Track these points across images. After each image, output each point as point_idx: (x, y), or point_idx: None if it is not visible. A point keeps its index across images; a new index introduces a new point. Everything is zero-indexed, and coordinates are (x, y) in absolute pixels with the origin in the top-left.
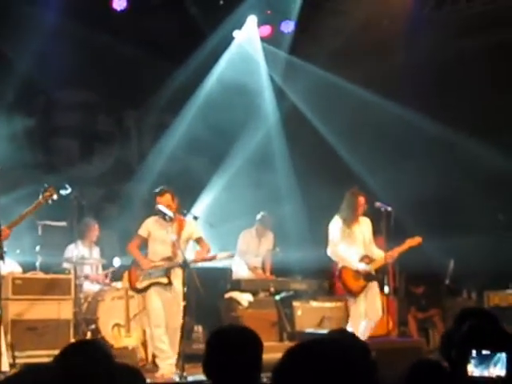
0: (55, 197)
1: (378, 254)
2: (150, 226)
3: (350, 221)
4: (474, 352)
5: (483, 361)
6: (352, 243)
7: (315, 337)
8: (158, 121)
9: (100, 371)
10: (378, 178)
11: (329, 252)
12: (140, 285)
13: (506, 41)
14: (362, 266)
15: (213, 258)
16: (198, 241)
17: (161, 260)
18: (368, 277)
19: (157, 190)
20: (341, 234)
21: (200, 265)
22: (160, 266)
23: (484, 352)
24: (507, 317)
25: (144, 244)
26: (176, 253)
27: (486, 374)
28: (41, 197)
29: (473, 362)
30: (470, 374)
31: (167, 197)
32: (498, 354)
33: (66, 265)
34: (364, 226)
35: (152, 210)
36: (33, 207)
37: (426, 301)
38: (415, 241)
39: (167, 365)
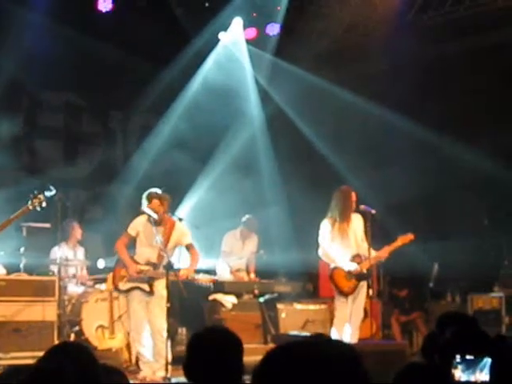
0: (44, 204)
1: (371, 252)
2: (139, 226)
3: (341, 219)
4: (458, 357)
5: (470, 366)
6: (344, 243)
7: (297, 339)
8: (143, 122)
9: (84, 371)
10: (362, 181)
11: (320, 253)
12: (123, 286)
13: (487, 45)
14: (354, 267)
15: (193, 280)
16: (188, 247)
17: (146, 263)
18: (359, 276)
19: (144, 195)
20: (332, 234)
21: (183, 266)
22: (145, 273)
23: (468, 357)
24: (491, 320)
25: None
26: (162, 256)
27: (472, 379)
28: (29, 203)
29: (460, 367)
30: (457, 379)
31: (154, 202)
32: (485, 360)
33: (52, 266)
34: (356, 222)
35: (137, 211)
36: (20, 212)
37: (409, 304)
38: (407, 238)
39: (148, 367)
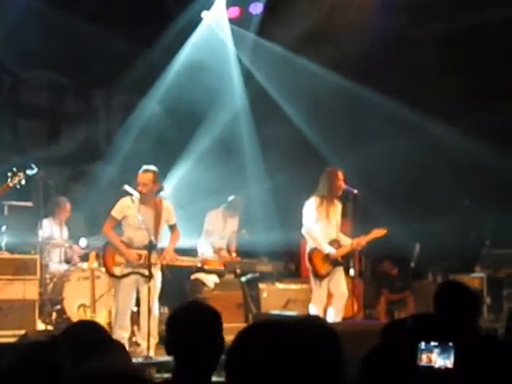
0: (23, 181)
1: (345, 241)
2: (125, 209)
3: (329, 199)
4: (422, 344)
5: (445, 351)
6: (327, 224)
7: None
8: (126, 101)
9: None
10: (345, 161)
11: (303, 231)
12: (121, 272)
13: (465, 25)
14: (333, 251)
15: (179, 265)
16: (172, 227)
17: (138, 248)
18: (335, 262)
19: (141, 169)
20: (317, 213)
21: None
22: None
23: (432, 343)
24: None
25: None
26: (157, 239)
27: (448, 364)
28: (9, 180)
29: (436, 350)
30: (433, 362)
31: (148, 175)
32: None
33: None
34: (338, 207)
35: (120, 191)
36: (0, 190)
37: (401, 282)
38: (380, 232)
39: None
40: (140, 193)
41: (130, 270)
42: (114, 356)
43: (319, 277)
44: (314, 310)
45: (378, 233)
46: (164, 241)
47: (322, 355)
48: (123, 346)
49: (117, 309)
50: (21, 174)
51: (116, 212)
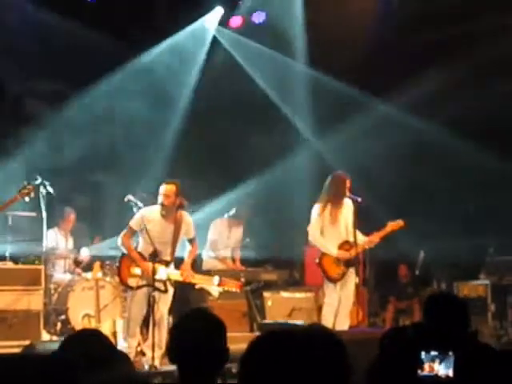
0: (32, 195)
1: (361, 239)
2: (145, 221)
3: (333, 204)
4: (423, 353)
5: (447, 360)
6: (333, 229)
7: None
8: (129, 109)
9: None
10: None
11: (309, 238)
12: (137, 283)
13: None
14: (341, 253)
15: (219, 285)
16: (192, 241)
17: (159, 261)
18: (348, 263)
19: (164, 181)
20: (322, 219)
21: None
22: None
23: (433, 352)
24: (476, 307)
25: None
26: (174, 253)
27: (450, 373)
28: (18, 193)
29: (438, 359)
30: (435, 371)
31: (172, 187)
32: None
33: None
34: (347, 209)
35: (122, 201)
36: (8, 201)
37: (412, 288)
38: (397, 224)
39: (130, 354)
40: (162, 205)
41: (145, 282)
42: (119, 366)
43: (333, 280)
44: (327, 314)
45: (395, 225)
46: (180, 252)
47: (331, 365)
48: (127, 356)
49: (129, 319)
50: (30, 188)
51: (135, 223)
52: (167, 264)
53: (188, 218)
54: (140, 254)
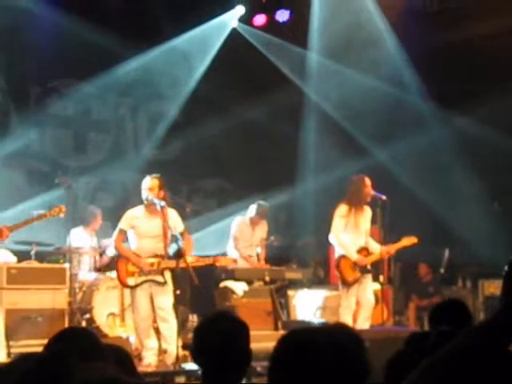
0: (62, 215)
1: (375, 248)
2: (133, 219)
3: (356, 207)
4: None
5: None
6: (356, 231)
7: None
8: (153, 109)
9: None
10: (373, 161)
11: (331, 238)
12: (135, 281)
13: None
14: (360, 259)
15: (214, 263)
16: (183, 234)
17: (153, 256)
18: (364, 269)
19: (148, 176)
20: (346, 220)
21: (194, 253)
22: (158, 265)
23: None
24: None
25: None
26: (167, 246)
27: None
28: (48, 211)
29: None
30: None
31: (154, 181)
32: None
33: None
34: (367, 215)
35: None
36: (38, 217)
37: (434, 288)
38: (411, 240)
39: (152, 355)
40: (146, 199)
41: (143, 278)
42: (96, 366)
43: (347, 284)
44: (344, 316)
45: (409, 241)
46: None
47: (354, 364)
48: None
49: (137, 321)
50: (61, 208)
51: (124, 224)
52: (162, 258)
53: (172, 213)
54: (134, 252)
